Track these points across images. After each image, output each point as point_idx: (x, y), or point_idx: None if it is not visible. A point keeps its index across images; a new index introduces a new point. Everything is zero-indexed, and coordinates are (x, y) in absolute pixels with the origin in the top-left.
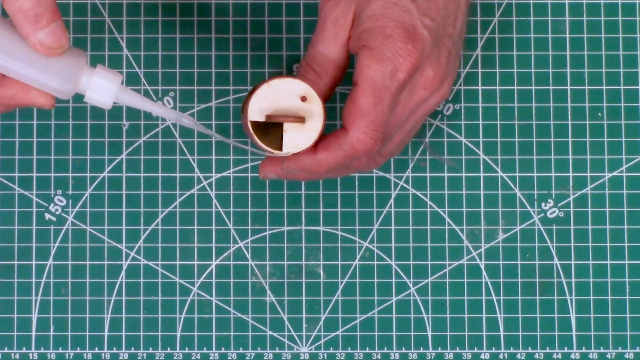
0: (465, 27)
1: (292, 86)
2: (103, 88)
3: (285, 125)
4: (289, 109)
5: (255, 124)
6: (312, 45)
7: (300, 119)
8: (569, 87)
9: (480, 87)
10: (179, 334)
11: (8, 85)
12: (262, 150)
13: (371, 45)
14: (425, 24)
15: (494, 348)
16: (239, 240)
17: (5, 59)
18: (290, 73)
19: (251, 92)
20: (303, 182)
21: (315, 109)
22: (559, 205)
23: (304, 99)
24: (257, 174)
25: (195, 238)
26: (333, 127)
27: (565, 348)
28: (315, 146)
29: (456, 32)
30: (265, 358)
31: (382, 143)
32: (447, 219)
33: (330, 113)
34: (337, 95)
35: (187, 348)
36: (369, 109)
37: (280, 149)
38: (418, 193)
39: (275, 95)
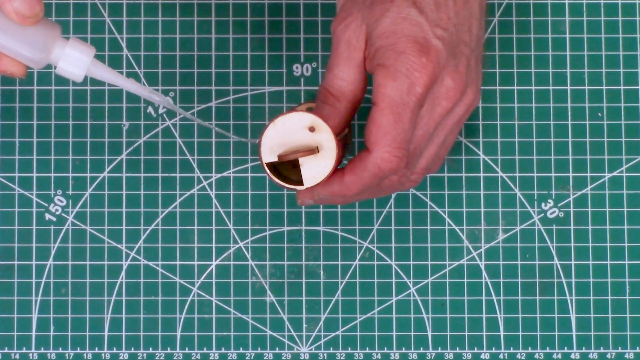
0: (483, 32)
1: (297, 119)
2: (75, 59)
3: (300, 160)
4: (300, 143)
5: (273, 165)
6: (328, 70)
7: (312, 151)
8: (569, 87)
9: (480, 87)
10: (179, 334)
11: None
12: (285, 188)
13: (385, 64)
14: (437, 35)
15: (494, 348)
16: (239, 240)
17: None
18: (290, 73)
19: (261, 135)
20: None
21: (326, 137)
22: (559, 205)
23: (312, 129)
24: (258, 174)
25: (195, 238)
26: None
27: (565, 348)
28: (343, 170)
29: (473, 38)
30: (265, 358)
31: (407, 160)
32: (447, 219)
33: None
34: None
35: (187, 348)
36: (389, 128)
37: (302, 182)
38: (418, 193)
39: (283, 132)
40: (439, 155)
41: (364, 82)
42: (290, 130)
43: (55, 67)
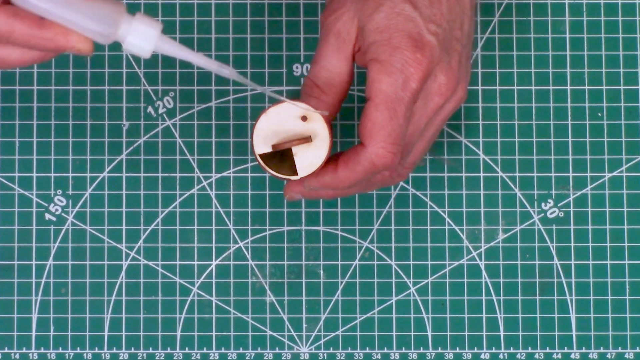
0: (473, 29)
1: (289, 109)
2: (144, 33)
3: (294, 149)
4: (293, 132)
5: (266, 155)
6: (315, 62)
7: (306, 139)
8: (569, 87)
9: (480, 87)
10: (179, 334)
11: (47, 27)
12: (279, 178)
13: (380, 59)
14: (431, 31)
15: (494, 348)
16: (239, 240)
17: (46, 1)
18: (290, 73)
19: (254, 126)
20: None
21: (318, 125)
22: (559, 205)
23: (304, 118)
24: (258, 174)
25: (195, 238)
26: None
27: (565, 348)
28: (336, 163)
29: (464, 35)
30: (265, 358)
31: (401, 155)
32: (447, 219)
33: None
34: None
35: (187, 348)
36: (384, 123)
37: (296, 172)
38: (418, 193)
39: (276, 122)
40: (425, 150)
41: (351, 75)
42: (282, 120)
43: (123, 43)
